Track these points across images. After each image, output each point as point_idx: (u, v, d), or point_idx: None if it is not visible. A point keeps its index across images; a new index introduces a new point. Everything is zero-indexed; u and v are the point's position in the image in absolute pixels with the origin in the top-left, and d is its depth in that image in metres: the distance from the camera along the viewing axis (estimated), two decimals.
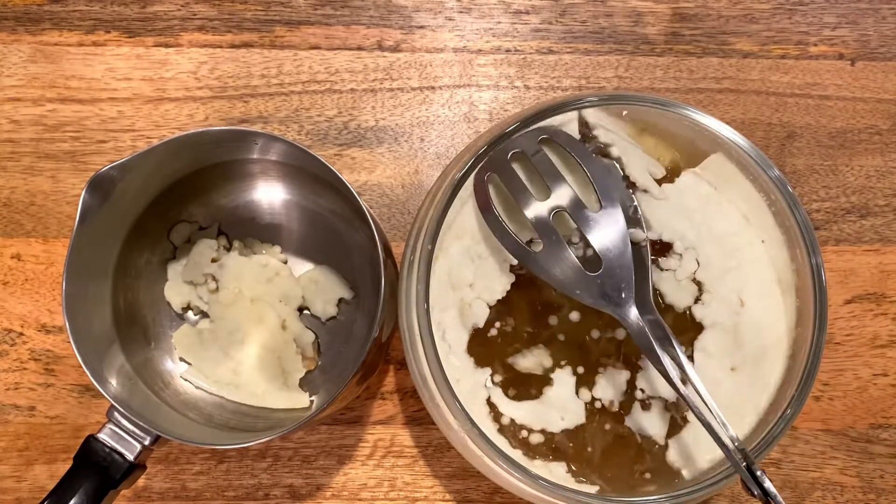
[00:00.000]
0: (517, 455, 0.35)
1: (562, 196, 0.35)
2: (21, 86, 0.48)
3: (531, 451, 0.35)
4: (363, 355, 0.36)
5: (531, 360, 0.36)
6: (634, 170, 0.37)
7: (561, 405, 0.35)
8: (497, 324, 0.36)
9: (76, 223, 0.37)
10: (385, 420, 0.46)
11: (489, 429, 0.35)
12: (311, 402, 0.44)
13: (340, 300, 0.45)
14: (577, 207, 0.34)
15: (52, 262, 0.47)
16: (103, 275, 0.41)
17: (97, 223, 0.38)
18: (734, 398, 0.35)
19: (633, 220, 0.36)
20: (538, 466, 0.35)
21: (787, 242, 0.36)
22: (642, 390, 0.35)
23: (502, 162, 0.35)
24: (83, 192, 0.36)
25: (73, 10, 0.49)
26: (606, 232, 0.34)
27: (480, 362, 0.35)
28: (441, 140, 0.49)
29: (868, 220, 0.48)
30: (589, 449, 0.35)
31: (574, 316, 0.36)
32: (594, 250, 0.34)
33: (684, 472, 0.35)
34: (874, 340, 0.47)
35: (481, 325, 0.35)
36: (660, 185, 0.37)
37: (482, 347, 0.36)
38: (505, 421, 0.35)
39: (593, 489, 0.34)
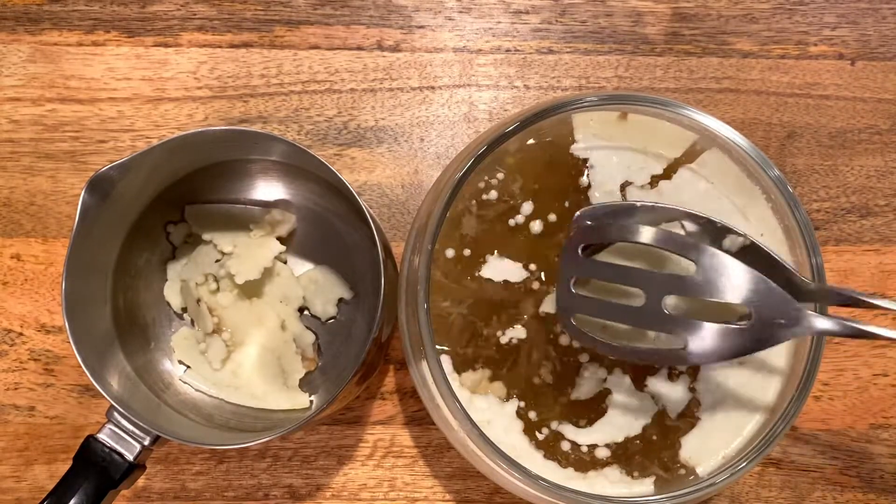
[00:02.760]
0: (569, 473, 0.35)
1: (653, 285, 0.31)
2: (20, 86, 0.48)
3: (584, 466, 0.35)
4: (363, 355, 0.36)
5: (590, 383, 0.36)
6: (619, 174, 0.37)
7: (631, 408, 0.35)
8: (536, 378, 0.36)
9: (76, 223, 0.37)
10: (385, 420, 0.46)
11: (535, 459, 0.35)
12: (311, 402, 0.44)
13: (340, 300, 0.45)
14: (678, 284, 0.31)
15: (51, 262, 0.47)
16: (103, 275, 0.41)
17: (97, 223, 0.38)
18: (744, 392, 0.36)
19: (720, 231, 0.34)
20: (592, 478, 0.35)
21: (786, 235, 0.37)
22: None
23: (573, 300, 0.33)
24: (83, 192, 0.36)
25: (73, 9, 0.49)
26: (725, 280, 0.30)
27: (506, 397, 0.35)
28: (441, 140, 0.49)
29: (868, 220, 0.48)
30: (638, 442, 0.35)
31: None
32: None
33: (699, 470, 0.35)
34: (874, 340, 0.47)
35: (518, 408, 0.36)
36: (657, 182, 0.37)
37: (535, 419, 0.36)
38: (566, 447, 0.35)
39: (650, 482, 0.35)
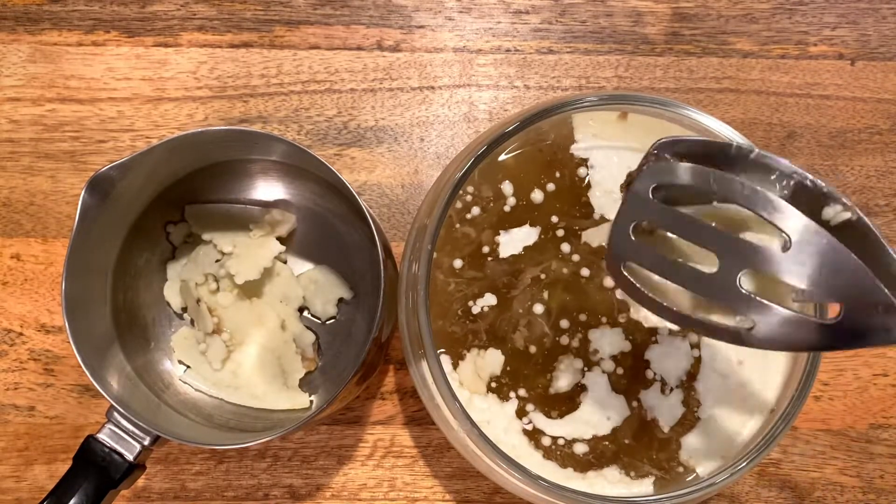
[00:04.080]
0: (569, 473, 0.35)
1: (734, 254, 0.25)
2: (20, 86, 0.48)
3: (581, 465, 0.35)
4: (363, 355, 0.36)
5: (567, 375, 0.36)
6: (619, 174, 0.37)
7: (603, 406, 0.35)
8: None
9: (76, 223, 0.37)
10: (385, 420, 0.46)
11: (534, 459, 0.35)
12: (311, 402, 0.44)
13: (340, 300, 0.45)
14: (764, 259, 0.25)
15: (51, 262, 0.47)
16: (103, 275, 0.41)
17: (97, 223, 0.38)
18: (744, 392, 0.36)
19: (823, 197, 0.26)
20: (592, 478, 0.35)
21: None
22: (654, 371, 0.36)
23: (630, 247, 0.28)
24: (83, 192, 0.36)
25: (73, 9, 0.49)
26: (817, 264, 0.24)
27: (505, 397, 0.36)
28: (441, 140, 0.49)
29: None
30: (627, 442, 0.35)
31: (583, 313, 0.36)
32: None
33: (699, 470, 0.35)
34: None
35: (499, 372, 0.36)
36: None
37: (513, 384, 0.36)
38: (546, 442, 0.35)
39: (650, 482, 0.35)
